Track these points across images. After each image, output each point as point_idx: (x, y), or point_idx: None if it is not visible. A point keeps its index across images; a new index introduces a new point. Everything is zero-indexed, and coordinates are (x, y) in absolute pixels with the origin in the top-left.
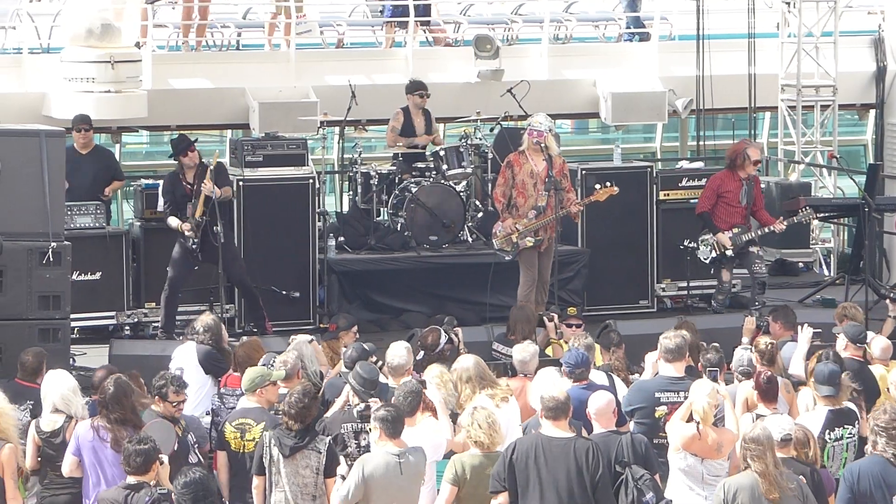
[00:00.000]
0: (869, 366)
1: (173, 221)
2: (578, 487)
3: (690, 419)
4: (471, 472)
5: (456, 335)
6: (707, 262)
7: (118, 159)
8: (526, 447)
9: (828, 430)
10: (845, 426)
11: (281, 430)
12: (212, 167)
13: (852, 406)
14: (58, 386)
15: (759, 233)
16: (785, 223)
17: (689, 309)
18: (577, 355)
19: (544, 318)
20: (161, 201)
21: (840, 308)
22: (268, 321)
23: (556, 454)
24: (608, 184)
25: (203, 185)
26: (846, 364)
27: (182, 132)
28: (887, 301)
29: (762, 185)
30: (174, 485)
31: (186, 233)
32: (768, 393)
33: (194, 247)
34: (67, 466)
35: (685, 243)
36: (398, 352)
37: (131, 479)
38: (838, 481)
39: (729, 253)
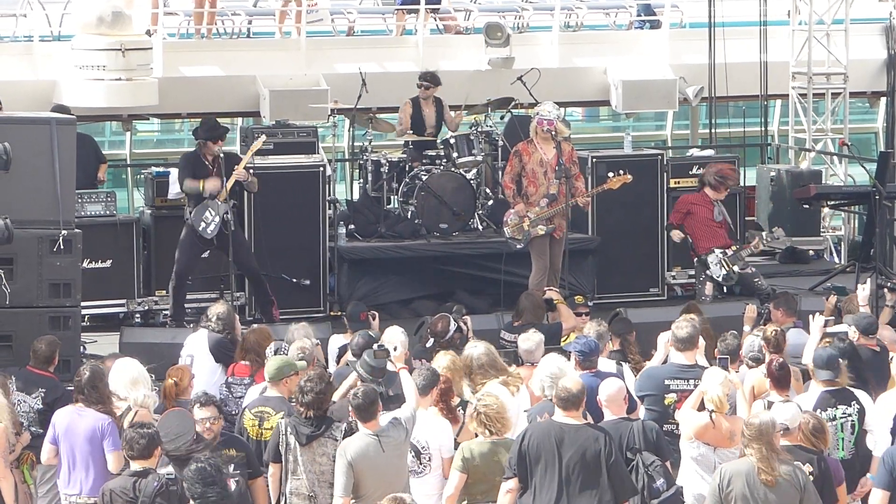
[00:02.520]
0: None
1: (193, 182)
2: (593, 473)
3: (703, 408)
4: (480, 459)
5: (465, 323)
6: (720, 279)
7: (129, 147)
8: (539, 434)
9: (819, 410)
10: (839, 406)
11: (297, 417)
12: (252, 149)
13: (850, 387)
14: (119, 374)
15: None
16: (761, 245)
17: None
18: (587, 343)
19: (554, 301)
20: (175, 178)
21: (845, 301)
22: (275, 308)
23: (569, 441)
24: (621, 172)
25: (237, 169)
26: (861, 353)
27: (211, 119)
28: (885, 290)
29: (773, 174)
30: (185, 472)
31: (209, 187)
32: (781, 380)
33: (213, 228)
34: (45, 454)
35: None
36: (395, 336)
37: (136, 466)
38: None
39: (736, 269)
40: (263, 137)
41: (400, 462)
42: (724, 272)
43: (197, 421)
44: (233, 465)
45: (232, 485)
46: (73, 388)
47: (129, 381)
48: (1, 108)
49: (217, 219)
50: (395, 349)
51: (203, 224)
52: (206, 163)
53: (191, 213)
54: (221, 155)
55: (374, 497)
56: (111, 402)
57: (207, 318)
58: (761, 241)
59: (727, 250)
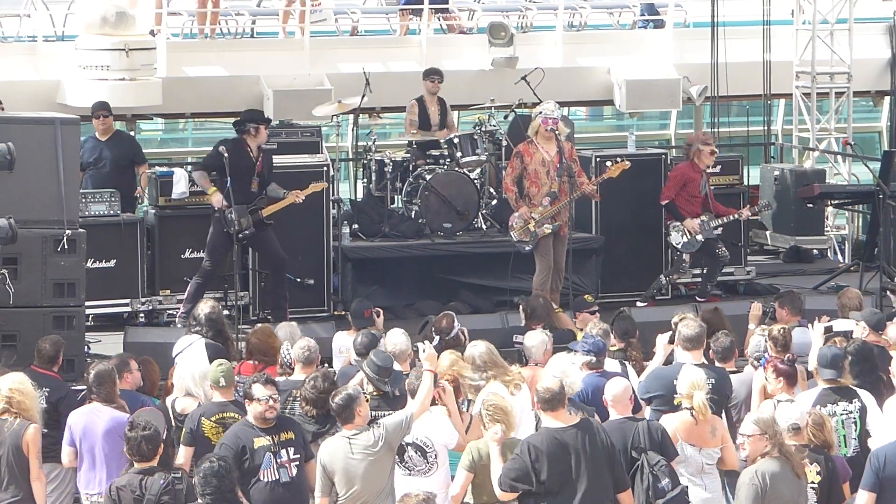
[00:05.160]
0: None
1: (203, 180)
2: (602, 466)
3: (680, 407)
4: (487, 459)
5: (463, 332)
6: (679, 247)
7: None
8: (545, 445)
9: (819, 406)
10: (839, 403)
11: (301, 416)
12: (314, 188)
13: (852, 386)
14: (188, 370)
15: (726, 220)
16: (746, 213)
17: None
18: (594, 343)
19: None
20: (178, 177)
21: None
22: (287, 306)
23: (571, 441)
24: (619, 159)
25: (297, 194)
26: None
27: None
28: (888, 292)
29: (776, 173)
30: (195, 472)
31: (214, 202)
32: (790, 377)
33: (247, 232)
34: (66, 457)
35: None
36: (397, 339)
37: (141, 465)
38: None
39: (699, 238)
40: (324, 184)
41: (373, 466)
42: (684, 240)
43: (259, 400)
44: (292, 449)
45: (293, 469)
46: (77, 387)
47: (198, 376)
48: (3, 109)
49: (253, 229)
50: (423, 350)
51: (237, 226)
52: (250, 152)
53: (226, 209)
54: (261, 153)
55: (356, 499)
56: (117, 399)
57: (196, 320)
58: (750, 211)
59: (696, 220)
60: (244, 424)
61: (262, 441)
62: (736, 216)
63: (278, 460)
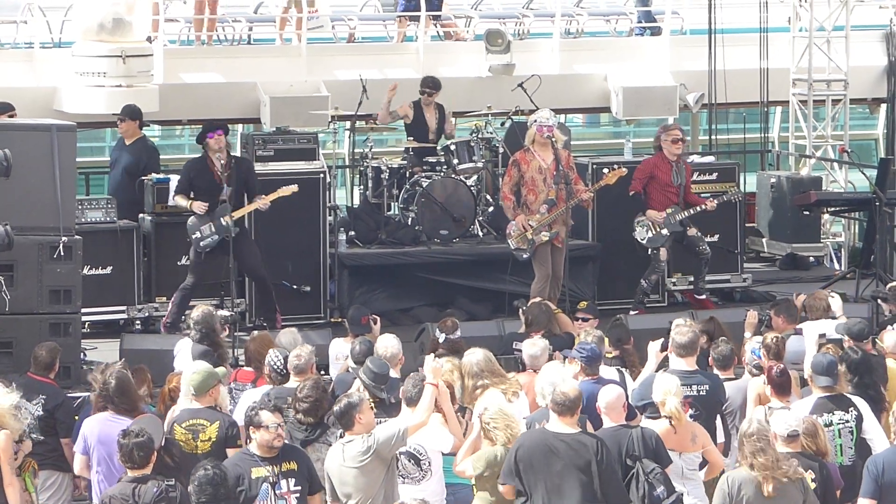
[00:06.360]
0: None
1: (182, 200)
2: (587, 483)
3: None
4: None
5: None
6: (644, 242)
7: None
8: (531, 443)
9: (815, 416)
10: (836, 412)
11: (292, 424)
12: (282, 192)
13: (848, 394)
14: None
15: (692, 212)
16: (715, 202)
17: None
18: (588, 349)
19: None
20: (174, 184)
21: (808, 297)
22: (279, 315)
23: (563, 450)
24: (615, 166)
25: (262, 199)
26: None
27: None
28: (878, 300)
29: (773, 180)
30: (191, 480)
31: (206, 230)
32: (782, 387)
33: (208, 244)
34: (78, 465)
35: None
36: (389, 343)
37: (134, 473)
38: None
39: (664, 232)
40: (294, 187)
41: (362, 474)
42: (649, 234)
43: (268, 428)
44: (293, 480)
45: (292, 501)
46: (73, 394)
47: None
48: (15, 115)
49: (216, 237)
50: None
51: (198, 234)
52: (214, 170)
53: (193, 220)
54: (232, 161)
55: (358, 501)
56: (141, 407)
57: (188, 325)
58: (733, 196)
59: (661, 213)
60: (244, 453)
61: (260, 471)
62: (703, 207)
63: (277, 492)
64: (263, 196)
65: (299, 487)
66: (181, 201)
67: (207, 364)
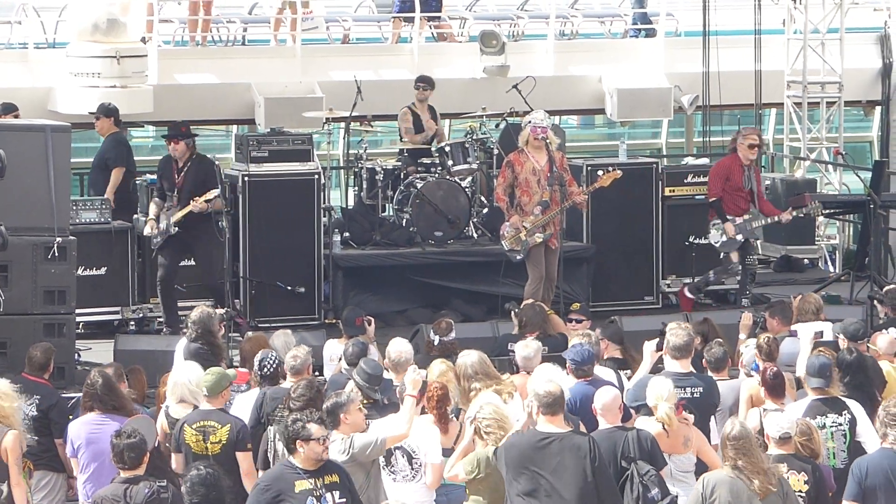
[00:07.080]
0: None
1: (152, 208)
2: (580, 482)
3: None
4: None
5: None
6: (717, 245)
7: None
8: (522, 445)
9: (809, 419)
10: (829, 415)
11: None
12: (206, 196)
13: (842, 397)
14: (180, 377)
15: (768, 221)
16: (792, 214)
17: (697, 305)
18: (582, 351)
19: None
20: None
21: (799, 300)
22: (241, 318)
23: (554, 451)
24: (610, 168)
25: (195, 200)
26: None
27: (186, 121)
28: (875, 302)
29: (767, 182)
30: (183, 480)
31: (147, 230)
32: (775, 389)
33: (157, 241)
34: (74, 468)
35: (690, 239)
36: (402, 347)
37: (126, 474)
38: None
39: (739, 237)
40: (217, 191)
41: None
42: (723, 239)
43: (318, 440)
44: (338, 493)
45: None
46: (67, 395)
47: (196, 385)
48: (19, 115)
49: (157, 240)
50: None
51: (148, 229)
52: (174, 167)
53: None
54: (189, 163)
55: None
56: (131, 406)
57: (186, 325)
58: (813, 211)
59: (737, 218)
60: (285, 466)
61: (304, 484)
62: (777, 218)
63: None
64: (197, 198)
65: (344, 500)
66: (152, 209)
67: (217, 367)
